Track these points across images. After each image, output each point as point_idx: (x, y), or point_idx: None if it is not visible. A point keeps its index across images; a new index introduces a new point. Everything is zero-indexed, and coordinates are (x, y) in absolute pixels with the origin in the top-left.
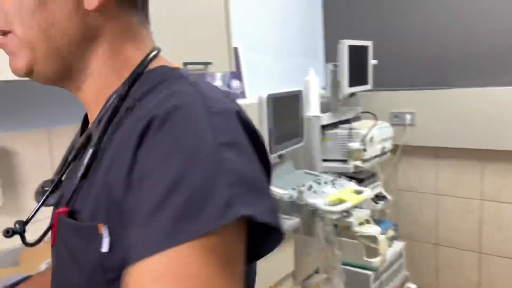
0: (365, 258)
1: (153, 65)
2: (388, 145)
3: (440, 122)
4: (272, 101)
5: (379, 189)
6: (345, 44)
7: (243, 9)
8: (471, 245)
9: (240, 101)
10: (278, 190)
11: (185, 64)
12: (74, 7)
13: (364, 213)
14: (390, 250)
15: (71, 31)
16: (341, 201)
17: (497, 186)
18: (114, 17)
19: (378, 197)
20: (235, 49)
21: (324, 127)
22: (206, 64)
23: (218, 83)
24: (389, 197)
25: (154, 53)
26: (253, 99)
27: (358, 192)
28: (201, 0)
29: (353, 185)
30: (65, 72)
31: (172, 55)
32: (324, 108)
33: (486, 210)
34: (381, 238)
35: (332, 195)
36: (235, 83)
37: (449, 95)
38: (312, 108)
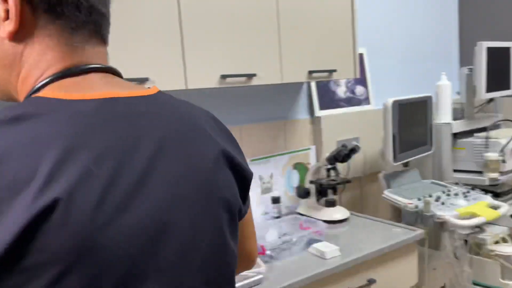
0: (501, 280)
1: (44, 92)
2: None
3: None
4: (398, 107)
5: None
6: (483, 46)
7: (369, 13)
8: None
9: (363, 108)
10: (402, 199)
11: (310, 72)
12: None
13: (501, 230)
14: None
15: None
16: (473, 215)
17: None
18: (31, 41)
19: None
20: (360, 55)
21: (456, 135)
22: (331, 71)
23: (342, 89)
24: None
25: (46, 80)
26: (377, 105)
27: (494, 207)
28: (327, 8)
29: (488, 199)
30: (8, 94)
31: (297, 64)
32: (457, 115)
33: None
34: None
35: (463, 208)
36: (359, 89)
37: None
38: (443, 115)
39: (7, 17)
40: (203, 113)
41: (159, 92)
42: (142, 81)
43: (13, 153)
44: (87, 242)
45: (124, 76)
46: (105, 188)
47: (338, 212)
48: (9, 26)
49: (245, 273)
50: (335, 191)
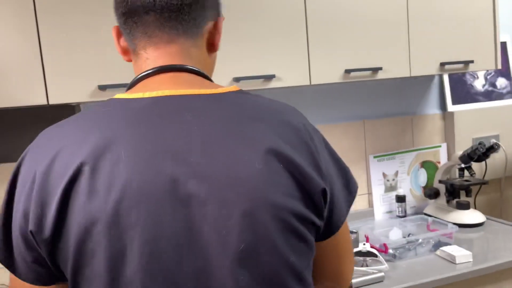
0: None
1: (118, 94)
2: None
3: None
4: None
5: None
6: None
7: None
8: None
9: (506, 102)
10: None
11: (442, 64)
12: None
13: None
14: None
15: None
16: None
17: None
18: (133, 57)
19: None
20: (503, 43)
21: None
22: (467, 63)
23: (480, 82)
24: None
25: (128, 85)
26: None
27: None
28: None
29: None
30: None
31: (427, 56)
32: None
33: None
34: None
35: None
36: (501, 82)
37: None
38: None
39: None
40: (278, 117)
41: (235, 91)
42: (268, 78)
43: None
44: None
45: (251, 73)
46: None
47: (472, 216)
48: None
49: (365, 269)
50: (468, 193)
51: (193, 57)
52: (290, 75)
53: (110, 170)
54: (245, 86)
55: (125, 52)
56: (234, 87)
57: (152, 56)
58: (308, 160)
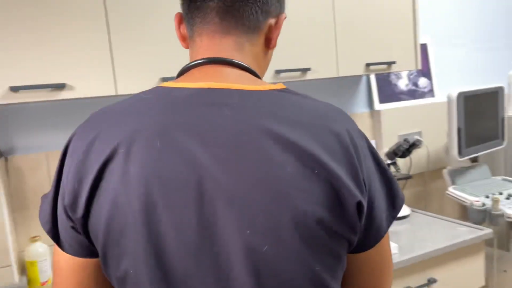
0: None
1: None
2: None
3: None
4: (464, 99)
5: None
6: None
7: (434, 0)
8: None
9: (427, 100)
10: (468, 196)
11: (368, 65)
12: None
13: None
14: None
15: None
16: None
17: None
18: (190, 44)
19: None
20: (423, 45)
21: None
22: (390, 63)
23: (403, 81)
24: None
25: (179, 72)
26: (443, 97)
27: None
28: None
29: None
30: None
31: (354, 57)
32: None
33: None
34: None
35: None
36: (422, 81)
37: None
38: None
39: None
40: (318, 121)
41: (279, 89)
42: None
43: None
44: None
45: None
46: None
47: None
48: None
49: None
50: None
51: (246, 52)
52: None
53: (142, 155)
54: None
55: (183, 38)
56: (280, 85)
57: (205, 45)
58: (346, 169)
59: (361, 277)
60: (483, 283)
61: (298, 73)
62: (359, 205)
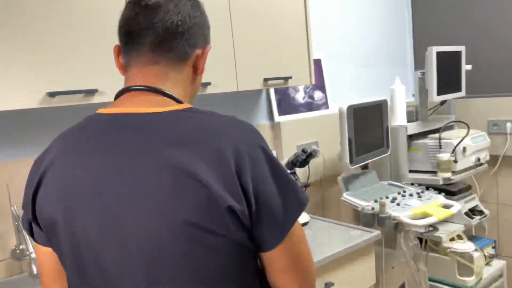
0: (458, 277)
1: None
2: (485, 155)
3: None
4: (353, 112)
5: (475, 203)
6: (433, 51)
7: (326, 19)
8: None
9: (322, 112)
10: (360, 201)
11: (266, 79)
12: None
13: (456, 228)
14: (488, 269)
15: None
16: (426, 215)
17: None
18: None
19: (473, 212)
20: (318, 60)
21: (411, 137)
22: (286, 78)
23: (301, 95)
24: (486, 211)
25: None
26: (336, 109)
27: (446, 206)
28: (280, 16)
29: (441, 199)
30: None
31: (252, 72)
32: (411, 117)
33: None
34: (476, 255)
35: (416, 208)
36: (317, 95)
37: None
38: (398, 118)
39: None
40: (204, 140)
41: (177, 110)
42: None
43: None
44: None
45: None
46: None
47: None
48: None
49: None
50: None
51: (170, 79)
52: None
53: (61, 170)
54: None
55: (121, 67)
56: (185, 105)
57: (133, 74)
58: (222, 179)
59: (278, 274)
60: (374, 280)
61: (200, 86)
62: (230, 208)
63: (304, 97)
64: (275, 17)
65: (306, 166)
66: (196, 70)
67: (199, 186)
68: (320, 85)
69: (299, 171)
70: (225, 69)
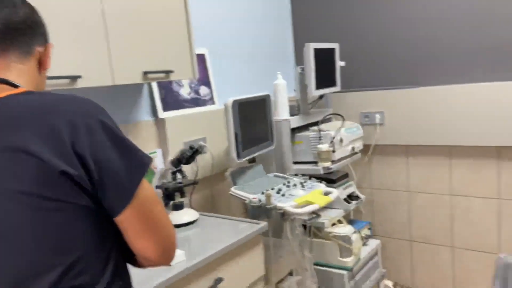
0: (339, 258)
1: None
2: (359, 145)
3: (409, 120)
4: (238, 106)
5: (352, 189)
6: (310, 47)
7: (210, 15)
8: (444, 240)
9: (208, 108)
10: (247, 194)
11: (145, 73)
12: None
13: (337, 214)
14: (365, 248)
15: None
16: (308, 203)
17: (465, 181)
18: None
19: (351, 197)
20: (202, 55)
21: (295, 130)
22: (168, 72)
23: (186, 90)
24: (362, 196)
25: None
26: (222, 105)
27: (327, 194)
28: (160, 9)
29: (322, 187)
30: None
31: (130, 65)
32: (294, 111)
33: (456, 205)
34: (354, 237)
35: (300, 197)
36: (203, 90)
37: (416, 93)
38: (281, 112)
39: None
40: (37, 116)
41: (19, 93)
42: None
43: None
44: None
45: None
46: None
47: (186, 215)
48: None
49: None
50: (182, 194)
51: (14, 70)
52: None
53: None
54: None
55: None
56: (21, 89)
57: None
58: (54, 150)
59: (135, 239)
60: (263, 271)
61: (67, 80)
62: (64, 172)
63: (189, 93)
64: (154, 10)
65: (194, 163)
66: (41, 66)
67: (31, 159)
68: (205, 80)
69: (187, 168)
70: (98, 62)
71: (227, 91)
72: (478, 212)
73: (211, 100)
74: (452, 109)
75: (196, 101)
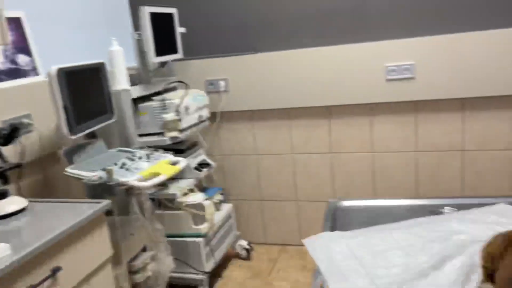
0: (193, 226)
1: None
2: (205, 113)
3: (252, 86)
4: (65, 75)
5: (202, 157)
6: (145, 11)
7: None
8: (289, 195)
9: (31, 80)
10: (86, 173)
11: None
12: None
13: (188, 183)
14: (219, 214)
15: None
16: (155, 175)
17: (303, 139)
18: None
19: (202, 165)
20: (17, 19)
21: (138, 101)
22: None
23: None
24: (212, 163)
25: None
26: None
27: (174, 163)
28: None
29: (169, 157)
30: None
31: None
32: (134, 80)
33: (297, 162)
34: (207, 204)
35: (146, 170)
36: (22, 59)
37: (256, 59)
38: (120, 81)
39: None
40: None
41: None
42: None
43: None
44: None
45: None
46: None
47: (11, 204)
48: None
49: None
50: (6, 181)
51: None
52: None
53: None
54: None
55: None
56: None
57: None
58: None
59: None
60: (110, 252)
61: None
62: None
63: (3, 62)
64: None
65: (18, 144)
66: None
67: None
68: (24, 47)
69: (9, 150)
70: None
71: (54, 60)
72: (315, 166)
73: (34, 71)
74: (288, 74)
75: (16, 72)
